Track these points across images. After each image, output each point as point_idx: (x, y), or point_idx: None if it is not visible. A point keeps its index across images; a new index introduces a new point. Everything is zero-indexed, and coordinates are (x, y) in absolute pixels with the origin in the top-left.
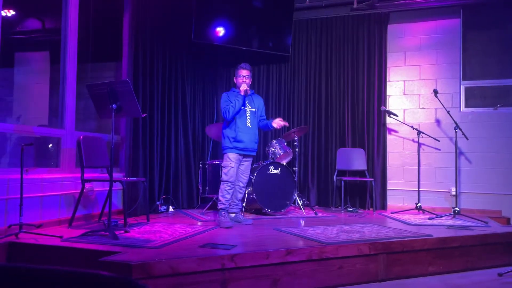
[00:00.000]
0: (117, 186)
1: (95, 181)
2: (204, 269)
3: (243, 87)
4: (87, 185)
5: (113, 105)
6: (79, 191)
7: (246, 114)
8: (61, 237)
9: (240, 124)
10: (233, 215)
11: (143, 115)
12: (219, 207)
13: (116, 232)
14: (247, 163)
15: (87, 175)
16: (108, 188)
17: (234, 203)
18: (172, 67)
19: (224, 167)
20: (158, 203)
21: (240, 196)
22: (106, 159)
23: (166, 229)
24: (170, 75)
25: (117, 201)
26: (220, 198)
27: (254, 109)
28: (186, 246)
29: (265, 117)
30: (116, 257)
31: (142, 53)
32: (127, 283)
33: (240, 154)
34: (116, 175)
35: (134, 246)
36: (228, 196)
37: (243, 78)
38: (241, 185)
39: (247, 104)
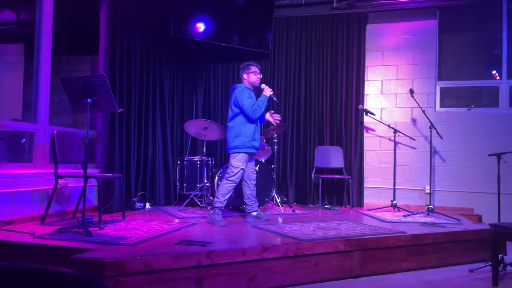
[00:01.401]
0: (92, 182)
1: (69, 177)
2: (180, 266)
3: (269, 89)
4: (61, 181)
5: (88, 100)
6: (53, 187)
7: None
8: (33, 234)
9: (252, 123)
10: (254, 213)
11: (119, 110)
12: (217, 205)
13: (90, 229)
14: (253, 161)
15: (61, 171)
16: (82, 184)
17: (252, 201)
18: (150, 62)
19: (234, 167)
20: (134, 199)
21: (254, 193)
22: (81, 154)
23: (142, 226)
24: (148, 70)
25: (92, 198)
26: (220, 196)
27: None
28: (161, 243)
29: None
30: (89, 254)
31: (120, 47)
32: (87, 280)
33: (251, 154)
34: (91, 171)
35: (108, 243)
36: (228, 196)
37: (258, 74)
38: (254, 182)
39: None
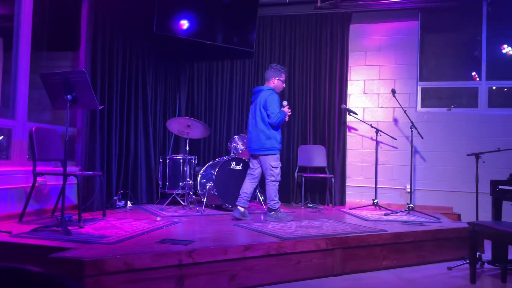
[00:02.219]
0: (72, 180)
1: (48, 175)
2: (161, 265)
3: (289, 109)
4: (39, 179)
5: (68, 96)
6: (31, 185)
7: None
8: (10, 232)
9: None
10: (242, 209)
11: (100, 107)
12: (276, 207)
13: (70, 228)
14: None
15: (39, 168)
16: (62, 182)
17: (247, 198)
18: (132, 59)
19: (275, 167)
20: (115, 198)
21: (254, 193)
22: (60, 152)
23: (123, 224)
24: (130, 66)
25: (72, 196)
26: (274, 197)
27: None
28: (142, 242)
29: None
30: (68, 253)
31: (101, 42)
32: (60, 280)
33: None
34: (71, 168)
35: (88, 242)
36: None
37: (284, 83)
38: (257, 182)
39: None
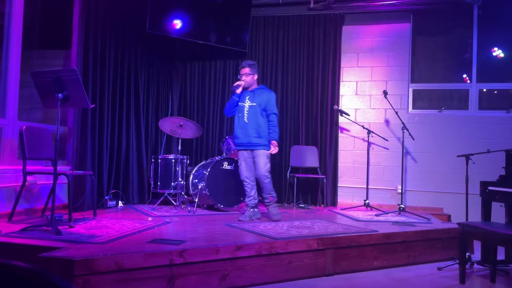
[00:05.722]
0: (63, 180)
1: (38, 174)
2: (151, 264)
3: (236, 85)
4: (29, 178)
5: (59, 95)
6: (21, 184)
7: (244, 110)
8: None
9: (236, 120)
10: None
11: (92, 106)
12: (247, 203)
13: (60, 227)
14: (254, 158)
15: (29, 168)
16: (52, 182)
17: (248, 198)
18: (125, 58)
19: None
20: (106, 198)
21: (250, 191)
22: (51, 151)
23: (114, 224)
24: (122, 65)
25: (62, 195)
26: (247, 195)
27: (253, 104)
28: (133, 241)
29: (272, 111)
30: (57, 252)
31: (93, 41)
32: (40, 275)
33: (243, 150)
34: (62, 168)
35: (78, 242)
36: (251, 193)
37: (241, 76)
38: (247, 180)
39: (246, 100)
